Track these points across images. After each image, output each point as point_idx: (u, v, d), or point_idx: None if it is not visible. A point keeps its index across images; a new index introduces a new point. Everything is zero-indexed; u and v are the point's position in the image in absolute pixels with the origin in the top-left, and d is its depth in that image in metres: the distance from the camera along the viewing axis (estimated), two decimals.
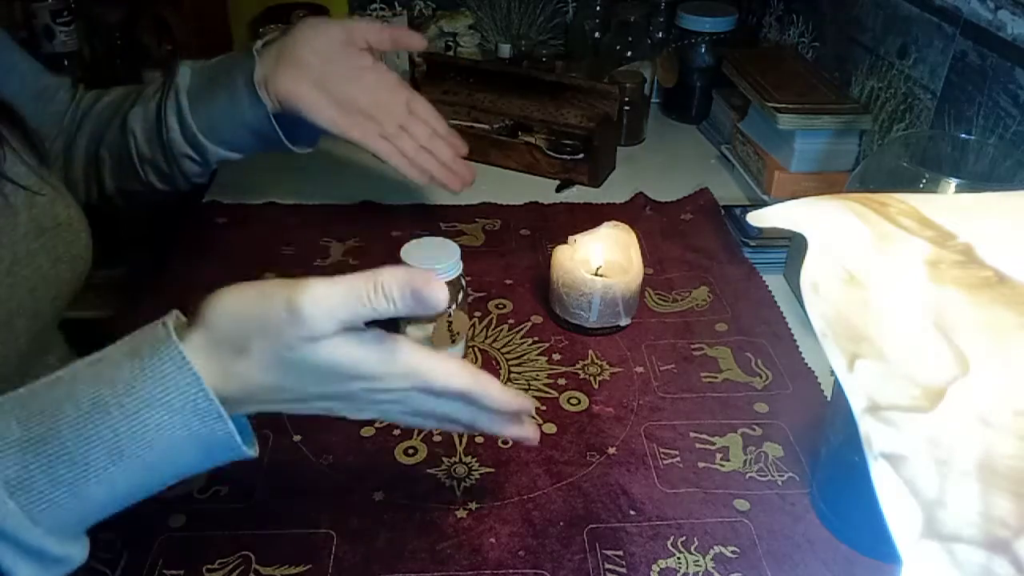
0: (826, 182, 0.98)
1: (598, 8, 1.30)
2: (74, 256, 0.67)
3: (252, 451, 0.45)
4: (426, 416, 0.49)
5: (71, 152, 0.80)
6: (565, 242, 0.79)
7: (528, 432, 0.53)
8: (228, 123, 0.76)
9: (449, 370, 0.46)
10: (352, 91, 0.77)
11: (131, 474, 0.41)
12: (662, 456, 0.66)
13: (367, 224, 0.96)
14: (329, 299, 0.42)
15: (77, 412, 0.40)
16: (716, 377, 0.74)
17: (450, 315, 0.70)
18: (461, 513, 0.60)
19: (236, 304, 0.43)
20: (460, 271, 0.70)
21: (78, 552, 0.43)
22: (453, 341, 0.72)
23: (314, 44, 0.75)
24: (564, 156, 1.08)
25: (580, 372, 0.74)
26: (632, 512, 0.61)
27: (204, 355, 0.42)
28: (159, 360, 0.41)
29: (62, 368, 0.43)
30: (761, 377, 0.74)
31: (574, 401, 0.71)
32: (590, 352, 0.77)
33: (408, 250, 0.70)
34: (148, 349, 0.41)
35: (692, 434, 0.68)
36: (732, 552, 0.58)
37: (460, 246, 0.71)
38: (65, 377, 0.42)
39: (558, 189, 1.06)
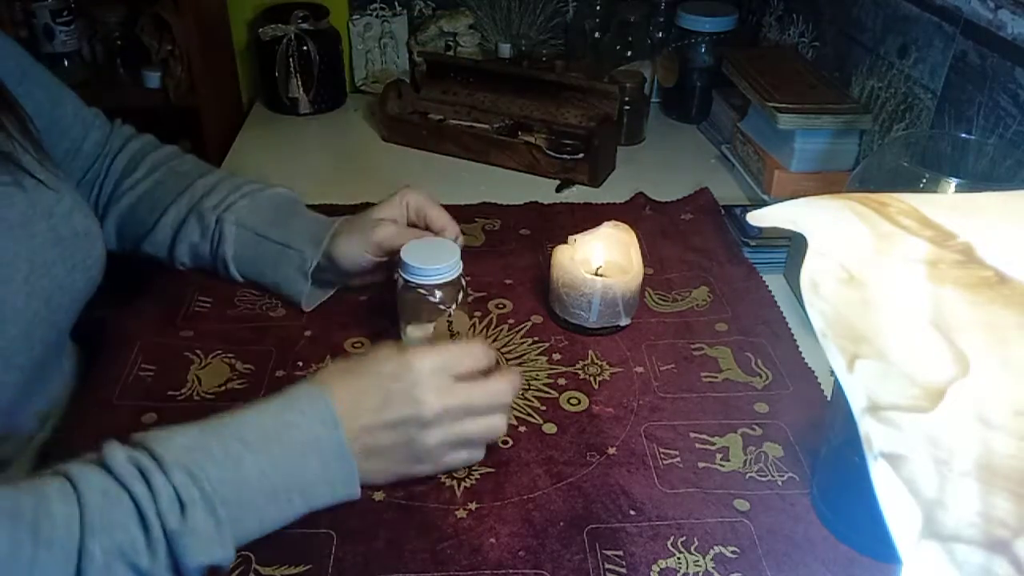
0: (826, 182, 0.98)
1: (598, 8, 1.30)
2: (89, 265, 0.68)
3: (355, 474, 0.56)
4: (470, 435, 0.60)
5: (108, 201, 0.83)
6: (565, 242, 0.79)
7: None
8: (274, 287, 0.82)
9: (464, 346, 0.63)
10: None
11: (273, 459, 0.53)
12: (662, 456, 0.66)
13: None
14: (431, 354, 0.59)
15: (242, 414, 0.54)
16: (716, 377, 0.74)
17: (450, 315, 0.70)
18: (461, 513, 0.60)
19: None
20: (460, 271, 0.70)
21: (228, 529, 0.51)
22: (453, 341, 0.72)
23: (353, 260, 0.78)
24: (564, 156, 1.08)
25: (580, 372, 0.74)
26: (632, 512, 0.61)
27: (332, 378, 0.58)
28: (298, 389, 0.56)
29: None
30: (761, 377, 0.74)
31: (574, 401, 0.71)
32: (590, 352, 0.77)
33: (408, 250, 0.70)
34: (291, 388, 0.57)
35: (692, 434, 0.68)
36: (732, 552, 0.58)
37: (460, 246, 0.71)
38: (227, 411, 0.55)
39: (558, 189, 1.06)
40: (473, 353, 0.61)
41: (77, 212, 0.67)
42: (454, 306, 0.70)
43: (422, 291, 0.69)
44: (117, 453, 0.50)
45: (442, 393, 0.57)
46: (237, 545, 0.52)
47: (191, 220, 0.80)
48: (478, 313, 0.82)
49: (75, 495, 0.47)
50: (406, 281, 0.69)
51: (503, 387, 0.61)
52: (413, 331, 0.72)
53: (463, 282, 0.71)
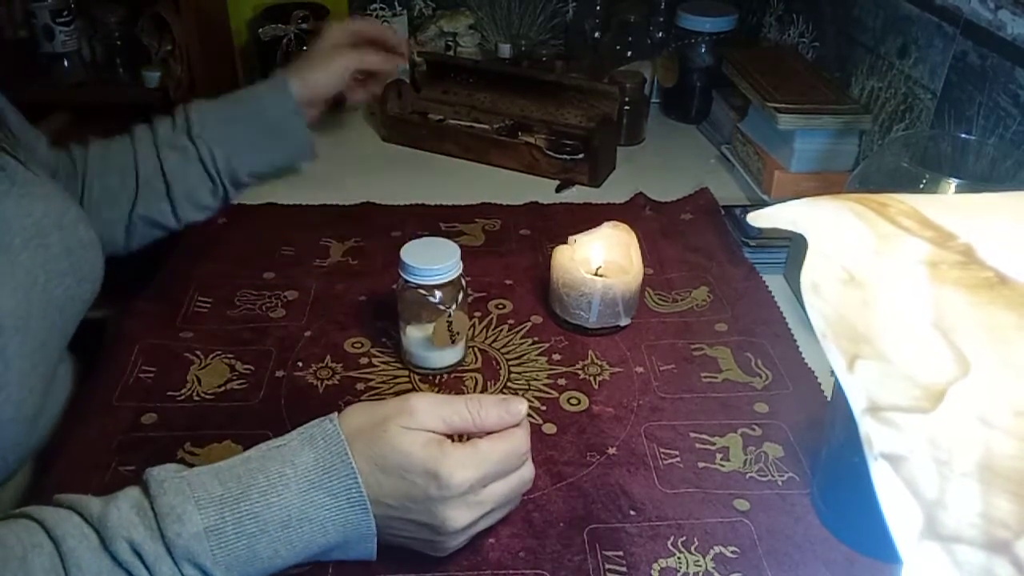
0: (826, 182, 0.98)
1: (598, 8, 1.30)
2: (94, 277, 0.70)
3: (375, 548, 0.53)
4: (508, 501, 0.55)
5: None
6: (565, 242, 0.79)
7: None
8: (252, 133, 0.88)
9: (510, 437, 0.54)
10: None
11: (290, 541, 0.50)
12: (662, 456, 0.66)
13: (367, 224, 0.96)
14: (434, 400, 0.53)
15: (267, 482, 0.50)
16: (716, 377, 0.74)
17: (450, 315, 0.70)
18: None
19: (365, 405, 0.54)
20: (460, 271, 0.70)
21: None
22: (453, 341, 0.72)
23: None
24: (564, 156, 1.08)
25: (580, 372, 0.74)
26: (632, 512, 0.61)
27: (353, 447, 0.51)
28: (329, 453, 0.51)
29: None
30: (761, 377, 0.74)
31: (574, 401, 0.71)
32: (590, 352, 0.77)
33: (408, 250, 0.70)
34: (322, 442, 0.51)
35: (692, 434, 0.68)
36: (732, 552, 0.58)
37: (460, 246, 0.71)
38: (255, 456, 0.51)
39: (558, 189, 1.06)
40: (512, 453, 0.54)
41: (82, 223, 0.69)
42: (454, 306, 0.70)
43: (422, 291, 0.69)
44: (119, 530, 0.46)
45: (470, 508, 0.52)
46: None
47: (164, 150, 0.84)
48: (478, 313, 0.82)
49: None
50: (406, 281, 0.69)
51: (522, 478, 0.56)
52: (413, 331, 0.72)
53: (463, 282, 0.71)
